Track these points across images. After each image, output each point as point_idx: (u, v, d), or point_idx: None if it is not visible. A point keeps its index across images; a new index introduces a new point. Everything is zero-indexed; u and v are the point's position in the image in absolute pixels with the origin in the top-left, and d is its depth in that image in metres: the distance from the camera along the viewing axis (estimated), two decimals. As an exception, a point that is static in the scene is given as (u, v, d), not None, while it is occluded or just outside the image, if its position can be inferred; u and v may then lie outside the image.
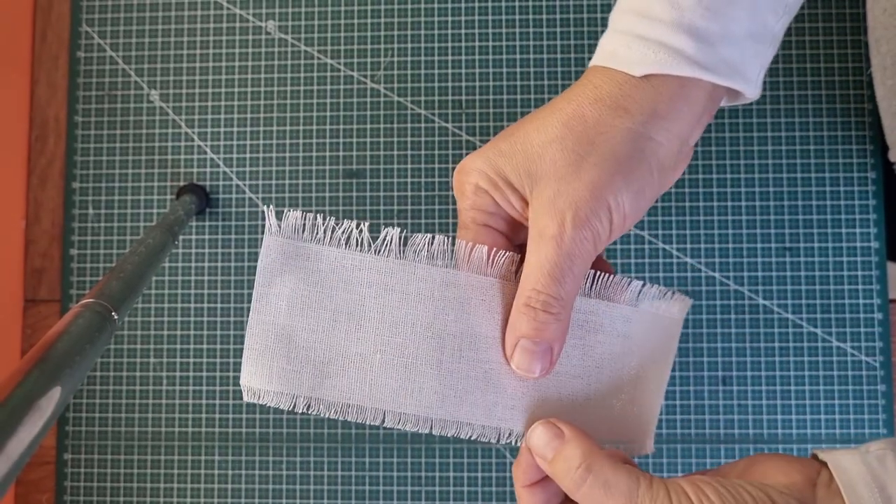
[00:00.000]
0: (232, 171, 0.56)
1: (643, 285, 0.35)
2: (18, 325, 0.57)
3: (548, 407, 0.34)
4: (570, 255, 0.31)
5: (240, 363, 0.54)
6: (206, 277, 0.55)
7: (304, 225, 0.32)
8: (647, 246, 0.54)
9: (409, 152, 0.55)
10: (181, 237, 0.55)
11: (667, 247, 0.54)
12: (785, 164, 0.54)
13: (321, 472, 0.54)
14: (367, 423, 0.32)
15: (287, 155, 0.56)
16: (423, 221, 0.55)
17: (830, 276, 0.53)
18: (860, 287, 0.53)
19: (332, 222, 0.32)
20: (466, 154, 0.54)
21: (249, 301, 0.55)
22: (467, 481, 0.53)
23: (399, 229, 0.32)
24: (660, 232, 0.54)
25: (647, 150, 0.32)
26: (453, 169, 0.54)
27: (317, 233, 0.32)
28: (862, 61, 0.54)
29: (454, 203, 0.55)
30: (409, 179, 0.55)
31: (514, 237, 0.36)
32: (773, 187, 0.54)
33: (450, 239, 0.33)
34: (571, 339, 0.34)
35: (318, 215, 0.32)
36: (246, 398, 0.32)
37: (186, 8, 0.57)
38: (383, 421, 0.32)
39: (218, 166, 0.56)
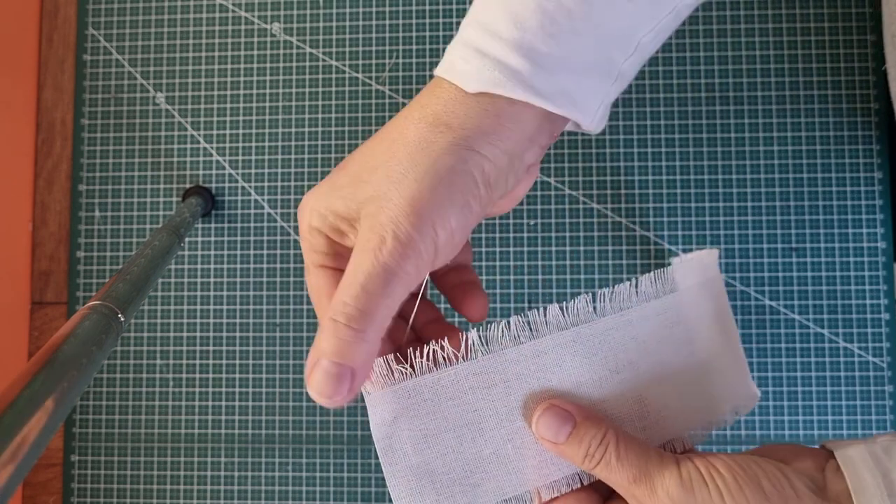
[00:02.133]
0: (238, 174, 0.56)
1: (666, 269, 0.36)
2: (25, 327, 0.57)
3: (677, 413, 0.35)
4: (386, 268, 0.29)
5: (247, 364, 0.55)
6: (212, 279, 0.55)
7: (391, 367, 0.32)
8: (652, 247, 0.54)
9: (414, 154, 0.55)
10: (187, 239, 0.56)
11: (672, 247, 0.54)
12: (791, 164, 0.54)
13: (327, 474, 0.54)
14: None
15: (292, 157, 0.56)
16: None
17: (837, 277, 0.53)
18: (867, 287, 0.53)
19: (414, 350, 0.32)
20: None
21: (255, 302, 0.55)
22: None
23: (476, 329, 0.33)
24: (665, 233, 0.54)
25: (470, 162, 0.31)
26: (458, 170, 0.54)
27: (404, 369, 0.33)
28: (868, 61, 0.54)
29: (459, 204, 0.55)
30: (414, 181, 0.55)
31: None
32: (780, 187, 0.53)
33: (523, 313, 0.33)
34: (597, 365, 0.34)
35: (394, 355, 0.33)
36: None
37: (192, 11, 0.57)
38: (541, 498, 0.33)
39: (224, 168, 0.56)
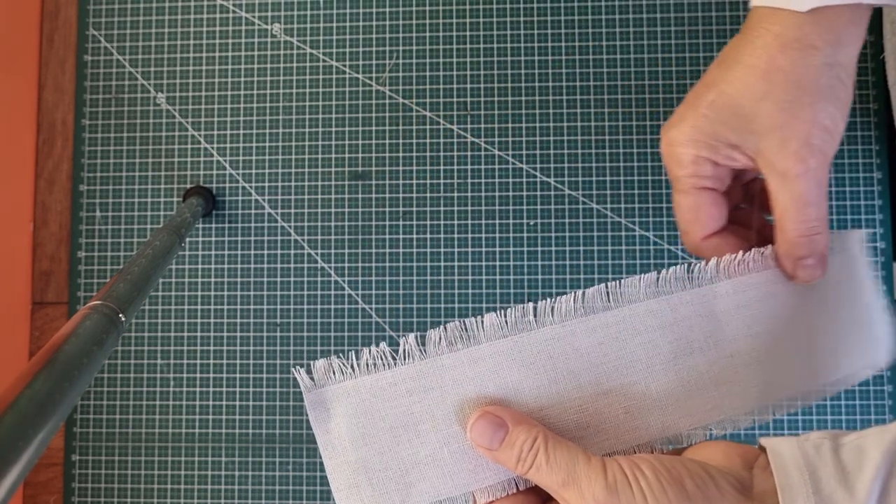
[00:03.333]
0: (238, 174, 0.56)
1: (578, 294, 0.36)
2: (26, 327, 0.57)
3: (618, 423, 0.35)
4: (818, 182, 0.35)
5: (247, 364, 0.55)
6: (212, 279, 0.56)
7: (332, 368, 0.34)
8: (651, 247, 0.54)
9: (414, 154, 0.55)
10: (188, 239, 0.56)
11: (672, 248, 0.54)
12: (790, 164, 0.54)
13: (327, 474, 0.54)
14: None
15: (293, 157, 0.56)
16: (428, 223, 0.55)
17: (837, 277, 0.53)
18: (866, 287, 0.53)
19: (353, 356, 0.34)
20: (471, 155, 0.55)
21: (255, 302, 0.55)
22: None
23: (414, 334, 0.34)
24: (665, 233, 0.54)
25: (841, 75, 0.35)
26: (459, 170, 0.54)
27: (343, 370, 0.34)
28: (868, 61, 0.54)
29: (460, 204, 0.55)
30: (414, 181, 0.55)
31: (723, 188, 0.39)
32: (779, 188, 0.53)
33: (462, 320, 0.34)
34: (536, 373, 0.34)
35: (338, 355, 0.34)
36: None
37: (192, 11, 0.57)
38: (475, 501, 0.34)
39: (224, 169, 0.56)
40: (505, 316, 0.34)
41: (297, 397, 0.55)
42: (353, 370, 0.34)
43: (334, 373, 0.34)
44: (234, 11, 0.57)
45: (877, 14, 0.54)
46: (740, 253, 0.36)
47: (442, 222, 0.55)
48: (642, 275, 0.35)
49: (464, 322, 0.34)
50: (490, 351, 0.34)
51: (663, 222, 0.54)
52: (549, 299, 0.34)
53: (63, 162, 0.58)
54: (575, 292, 0.35)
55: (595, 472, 0.30)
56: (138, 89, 0.57)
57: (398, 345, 0.34)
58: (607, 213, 0.54)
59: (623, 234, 0.54)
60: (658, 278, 0.35)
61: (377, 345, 0.34)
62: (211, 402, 0.55)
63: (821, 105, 0.35)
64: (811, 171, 0.35)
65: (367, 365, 0.34)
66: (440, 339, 0.34)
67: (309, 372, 0.34)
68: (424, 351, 0.34)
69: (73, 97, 0.58)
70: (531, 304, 0.34)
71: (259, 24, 0.57)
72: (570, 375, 0.34)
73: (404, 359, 0.34)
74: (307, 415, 0.35)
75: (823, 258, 0.37)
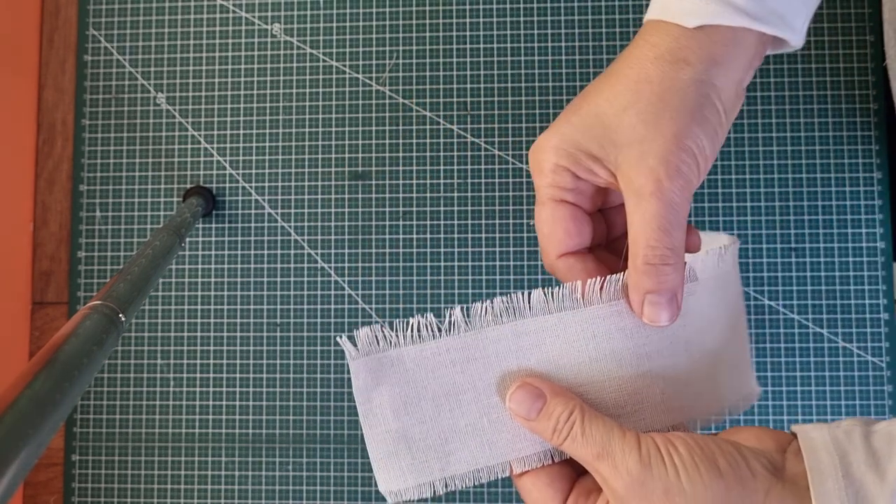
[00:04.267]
0: (238, 174, 0.56)
1: (704, 256, 0.36)
2: (26, 327, 0.57)
3: (656, 404, 0.35)
4: (671, 205, 0.33)
5: (247, 364, 0.55)
6: (212, 279, 0.56)
7: (376, 337, 0.34)
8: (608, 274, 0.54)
9: (414, 154, 0.55)
10: (188, 239, 0.56)
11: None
12: (791, 164, 0.54)
13: (327, 474, 0.54)
14: (499, 477, 0.35)
15: (293, 157, 0.56)
16: (428, 223, 0.55)
17: (836, 277, 0.53)
18: (866, 287, 0.53)
19: (400, 324, 0.34)
20: (471, 155, 0.55)
21: (255, 302, 0.55)
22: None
23: (460, 306, 0.34)
24: (665, 233, 0.54)
25: (712, 96, 0.34)
26: (459, 170, 0.54)
27: (390, 339, 0.34)
28: (868, 61, 0.54)
29: (460, 204, 0.55)
30: (414, 181, 0.55)
31: (588, 206, 0.37)
32: (779, 187, 0.53)
33: (508, 296, 0.34)
34: (577, 351, 0.35)
35: (383, 324, 0.35)
36: (390, 501, 0.35)
37: (192, 11, 0.57)
38: (511, 470, 0.34)
39: (224, 169, 0.56)
40: (551, 293, 0.34)
41: (296, 397, 0.55)
42: (399, 340, 0.34)
43: (378, 342, 0.34)
44: (234, 11, 0.57)
45: (877, 15, 0.54)
46: (591, 280, 0.34)
47: (442, 222, 0.55)
48: (697, 256, 0.36)
49: (510, 297, 0.34)
50: (534, 326, 0.34)
51: (663, 222, 0.54)
52: (596, 278, 0.34)
53: (63, 162, 0.58)
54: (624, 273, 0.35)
55: (629, 446, 0.31)
56: (138, 89, 0.57)
57: (443, 317, 0.35)
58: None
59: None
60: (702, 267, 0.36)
61: (423, 315, 0.34)
62: (211, 402, 0.55)
63: (685, 122, 0.33)
64: (666, 192, 0.33)
65: (413, 335, 0.34)
66: (486, 311, 0.34)
67: (353, 341, 0.34)
68: (470, 323, 0.34)
69: (73, 97, 0.58)
70: (578, 283, 0.34)
71: (259, 24, 0.57)
72: (612, 355, 0.35)
73: (449, 330, 0.34)
74: (349, 384, 0.35)
75: (673, 300, 0.34)
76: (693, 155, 0.33)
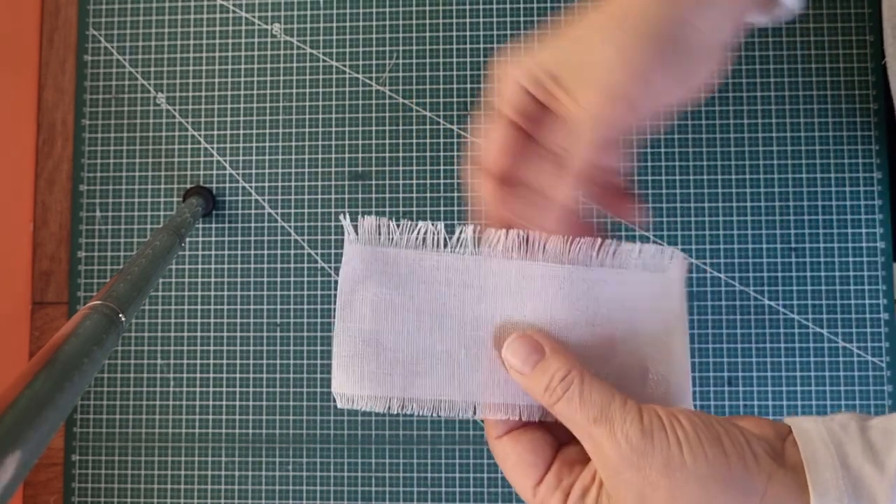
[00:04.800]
0: (238, 174, 0.56)
1: (639, 246, 0.35)
2: (26, 327, 0.57)
3: (639, 388, 0.34)
4: (608, 121, 0.33)
5: (247, 364, 0.55)
6: (212, 279, 0.56)
7: (380, 229, 0.33)
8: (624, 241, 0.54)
9: (414, 154, 0.55)
10: (188, 239, 0.56)
11: (672, 247, 0.54)
12: (791, 164, 0.54)
13: (327, 473, 0.54)
14: (458, 416, 0.33)
15: (293, 157, 0.56)
16: (428, 223, 0.55)
17: (836, 277, 0.53)
18: (866, 287, 0.53)
19: (408, 224, 0.33)
20: (471, 155, 0.55)
21: (255, 302, 0.55)
22: (473, 482, 0.53)
23: (473, 226, 0.33)
24: (665, 233, 0.54)
25: (688, 34, 0.33)
26: (458, 170, 0.54)
27: (393, 236, 0.33)
28: (868, 61, 0.54)
29: (460, 204, 0.55)
30: (414, 181, 0.55)
31: (537, 134, 0.36)
32: (779, 188, 0.54)
33: (524, 233, 0.33)
34: (577, 310, 0.34)
35: (392, 219, 0.33)
36: (339, 404, 0.33)
37: (192, 11, 0.57)
38: (474, 412, 0.33)
39: (224, 169, 0.56)
40: (569, 241, 0.33)
41: (296, 397, 0.55)
42: (402, 240, 0.33)
43: (380, 234, 0.33)
44: (234, 11, 0.57)
45: (877, 14, 0.54)
46: (607, 242, 0.34)
47: (443, 222, 0.55)
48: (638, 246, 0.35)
49: (527, 234, 0.33)
50: (542, 272, 0.33)
51: (663, 222, 0.54)
52: (613, 240, 0.34)
53: (63, 162, 0.58)
54: (640, 245, 0.34)
55: (631, 414, 0.30)
56: (138, 89, 0.57)
57: (453, 232, 0.33)
58: (607, 212, 0.54)
59: (622, 233, 0.54)
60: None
61: (434, 223, 0.33)
62: (211, 402, 0.55)
63: (651, 52, 0.33)
64: (607, 110, 0.33)
65: (417, 239, 0.33)
66: (498, 240, 0.33)
67: (356, 227, 0.33)
68: (478, 248, 0.33)
69: (73, 97, 0.58)
70: (599, 239, 0.33)
71: (259, 24, 0.57)
72: (609, 324, 0.34)
73: (455, 247, 0.33)
74: (338, 271, 0.33)
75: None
76: (648, 83, 0.33)
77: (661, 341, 0.35)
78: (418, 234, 0.33)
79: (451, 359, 0.33)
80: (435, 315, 0.33)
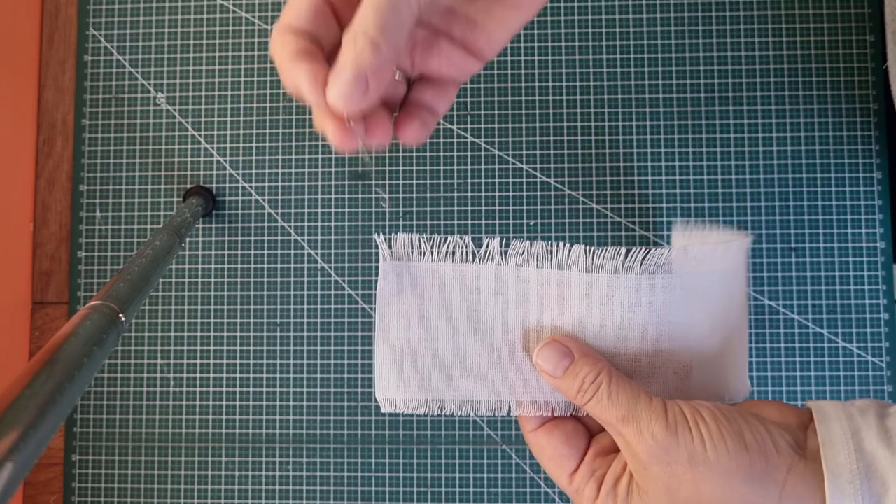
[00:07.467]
0: (238, 174, 0.56)
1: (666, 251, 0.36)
2: (26, 327, 0.57)
3: (664, 383, 0.35)
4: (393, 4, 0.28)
5: (247, 364, 0.55)
6: (212, 279, 0.56)
7: (412, 244, 0.35)
8: (651, 247, 0.54)
9: (414, 154, 0.55)
10: (188, 239, 0.56)
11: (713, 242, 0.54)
12: (790, 164, 0.54)
13: (328, 473, 0.54)
14: (495, 415, 0.35)
15: (293, 157, 0.56)
16: (428, 223, 0.55)
17: (836, 277, 0.53)
18: (866, 287, 0.53)
19: (438, 239, 0.35)
20: (471, 155, 0.55)
21: (255, 302, 0.55)
22: (473, 482, 0.53)
23: (500, 238, 0.35)
24: (665, 233, 0.54)
25: None
26: (459, 170, 0.54)
27: (424, 250, 0.35)
28: (868, 61, 0.54)
29: (461, 204, 0.55)
30: (414, 181, 0.55)
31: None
32: (779, 187, 0.54)
33: (549, 242, 0.35)
34: (604, 315, 0.35)
35: (423, 235, 0.35)
36: (383, 409, 0.36)
37: (192, 11, 0.57)
38: (509, 411, 0.35)
39: (224, 169, 0.56)
40: (592, 252, 0.35)
41: (296, 397, 0.55)
42: (433, 254, 0.35)
43: (412, 251, 0.35)
44: (234, 11, 0.57)
45: (877, 14, 0.54)
46: (634, 249, 0.35)
47: (442, 222, 0.55)
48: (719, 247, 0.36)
49: (551, 245, 0.35)
50: (568, 279, 0.35)
51: (663, 222, 0.54)
52: (637, 246, 0.35)
53: (63, 162, 0.58)
54: (666, 248, 0.35)
55: (656, 412, 0.31)
56: (138, 89, 0.57)
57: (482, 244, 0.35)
58: (607, 212, 0.54)
59: (623, 234, 0.54)
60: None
61: (461, 236, 0.35)
62: (211, 402, 0.55)
63: None
64: None
65: (447, 252, 0.35)
66: (524, 251, 0.35)
67: (389, 244, 0.35)
68: (505, 257, 0.35)
69: (74, 97, 0.58)
70: (623, 248, 0.35)
71: (259, 24, 0.57)
72: (636, 326, 0.35)
73: (483, 258, 0.35)
74: (374, 285, 0.36)
75: (364, 80, 0.28)
76: None
77: (701, 336, 0.36)
78: (448, 247, 0.35)
79: (485, 361, 0.35)
80: (468, 322, 0.35)
